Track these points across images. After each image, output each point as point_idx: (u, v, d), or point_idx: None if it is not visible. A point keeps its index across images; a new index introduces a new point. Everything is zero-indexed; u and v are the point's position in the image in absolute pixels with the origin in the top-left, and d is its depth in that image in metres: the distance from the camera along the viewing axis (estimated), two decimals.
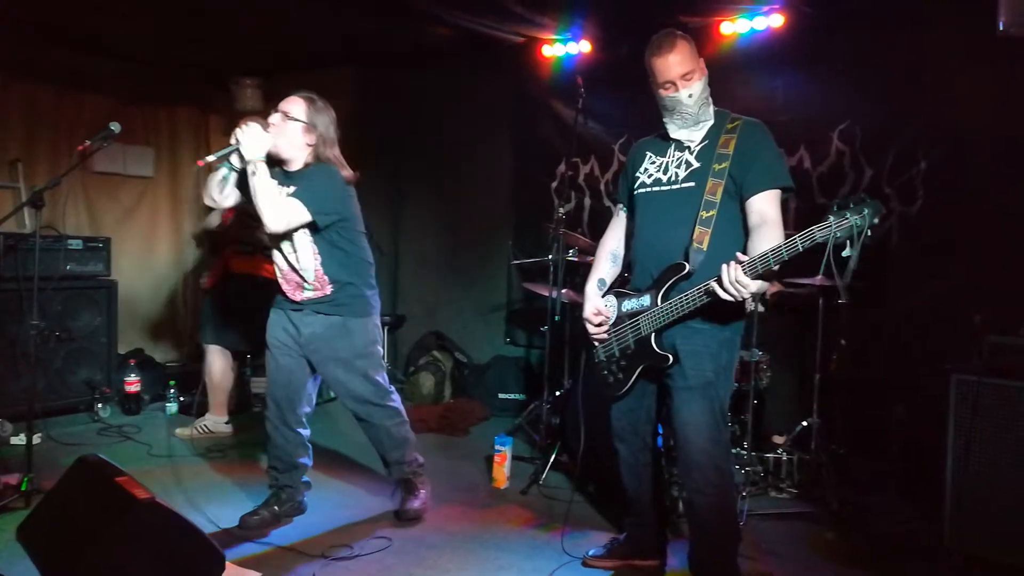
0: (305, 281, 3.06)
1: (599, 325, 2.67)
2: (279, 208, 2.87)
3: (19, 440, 3.96)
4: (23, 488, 3.25)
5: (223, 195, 3.03)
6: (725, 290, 2.22)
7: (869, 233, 2.05)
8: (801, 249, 2.13)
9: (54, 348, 4.68)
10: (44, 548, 2.31)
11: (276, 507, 3.20)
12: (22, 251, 4.45)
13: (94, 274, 5.01)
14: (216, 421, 4.56)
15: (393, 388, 3.32)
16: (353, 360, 3.14)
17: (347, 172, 3.08)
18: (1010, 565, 2.80)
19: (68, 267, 4.81)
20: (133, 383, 5.00)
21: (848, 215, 2.05)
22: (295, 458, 3.23)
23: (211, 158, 2.91)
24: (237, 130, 2.89)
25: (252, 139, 2.84)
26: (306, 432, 3.26)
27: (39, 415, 3.98)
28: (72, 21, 4.80)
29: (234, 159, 2.94)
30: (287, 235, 2.98)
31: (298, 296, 3.10)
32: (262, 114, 6.17)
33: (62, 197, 5.00)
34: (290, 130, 2.96)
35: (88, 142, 3.47)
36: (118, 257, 5.45)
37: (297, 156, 3.01)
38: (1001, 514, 2.82)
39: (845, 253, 2.07)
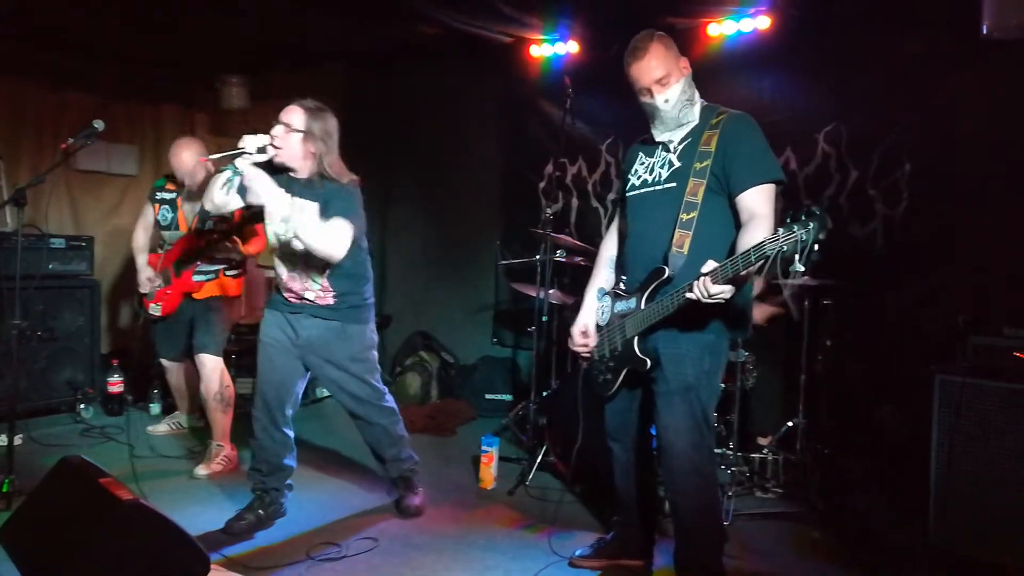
0: (307, 289, 3.08)
1: (583, 345, 2.71)
2: (332, 238, 2.84)
3: (0, 441, 3.91)
4: (4, 490, 3.22)
5: (228, 198, 2.98)
6: (703, 301, 2.21)
7: (816, 248, 2.02)
8: (753, 260, 2.12)
9: (36, 348, 4.63)
10: (26, 550, 2.28)
11: (261, 511, 3.17)
12: (4, 250, 4.40)
13: (77, 273, 4.96)
14: (188, 417, 4.60)
15: (386, 389, 3.34)
16: (349, 364, 3.16)
17: (351, 178, 3.06)
18: (993, 563, 2.82)
19: (51, 266, 4.77)
20: (116, 383, 4.96)
21: (796, 228, 2.03)
22: (281, 459, 3.21)
23: (215, 157, 2.90)
24: (246, 135, 2.89)
25: (268, 193, 2.81)
26: (291, 433, 3.25)
27: (21, 416, 3.94)
28: (55, 18, 4.75)
29: (239, 163, 2.90)
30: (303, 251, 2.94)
31: (299, 301, 3.12)
32: (248, 112, 6.19)
33: (45, 195, 4.93)
34: (292, 141, 2.94)
35: (71, 140, 3.44)
36: (101, 256, 5.41)
37: (302, 165, 2.99)
38: (984, 513, 2.84)
39: (792, 268, 2.06)
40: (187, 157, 3.93)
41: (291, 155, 2.95)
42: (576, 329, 2.72)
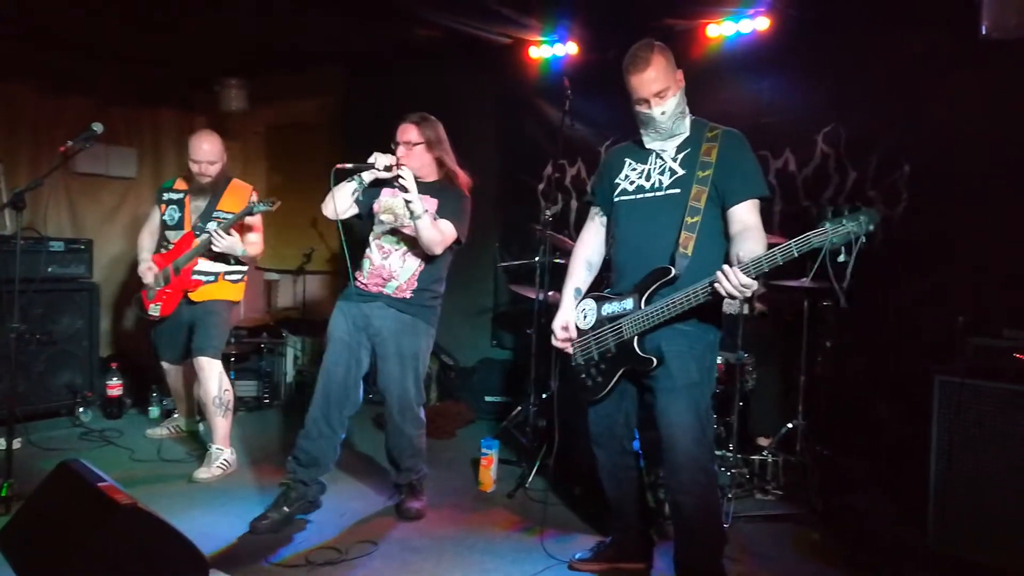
0: (393, 279, 3.24)
1: (565, 340, 2.72)
2: (441, 239, 3.17)
3: None
4: (3, 494, 3.22)
5: (345, 208, 3.26)
6: (729, 293, 2.25)
7: (864, 240, 2.08)
8: (796, 255, 2.17)
9: (35, 351, 4.62)
10: (24, 555, 2.28)
11: (286, 507, 3.18)
12: (3, 253, 4.39)
13: (76, 276, 4.96)
14: (187, 420, 4.60)
15: (424, 399, 3.44)
16: (412, 359, 3.28)
17: (465, 178, 3.39)
18: (992, 565, 2.82)
19: (49, 269, 4.75)
20: (115, 387, 4.95)
21: (845, 222, 2.09)
22: (323, 455, 3.24)
23: (348, 166, 3.12)
24: (377, 153, 3.15)
25: (415, 193, 3.04)
26: (342, 435, 3.29)
27: (19, 419, 3.94)
28: (54, 19, 4.75)
29: (366, 176, 3.20)
30: (403, 234, 3.26)
31: (377, 290, 3.25)
32: (247, 113, 6.18)
33: (44, 198, 4.94)
34: (417, 154, 3.27)
35: (70, 143, 3.44)
36: (100, 259, 5.40)
37: (430, 172, 3.33)
38: (984, 514, 2.84)
39: (840, 259, 2.10)
40: (208, 144, 3.95)
41: (422, 166, 3.28)
42: (557, 325, 2.74)
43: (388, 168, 3.10)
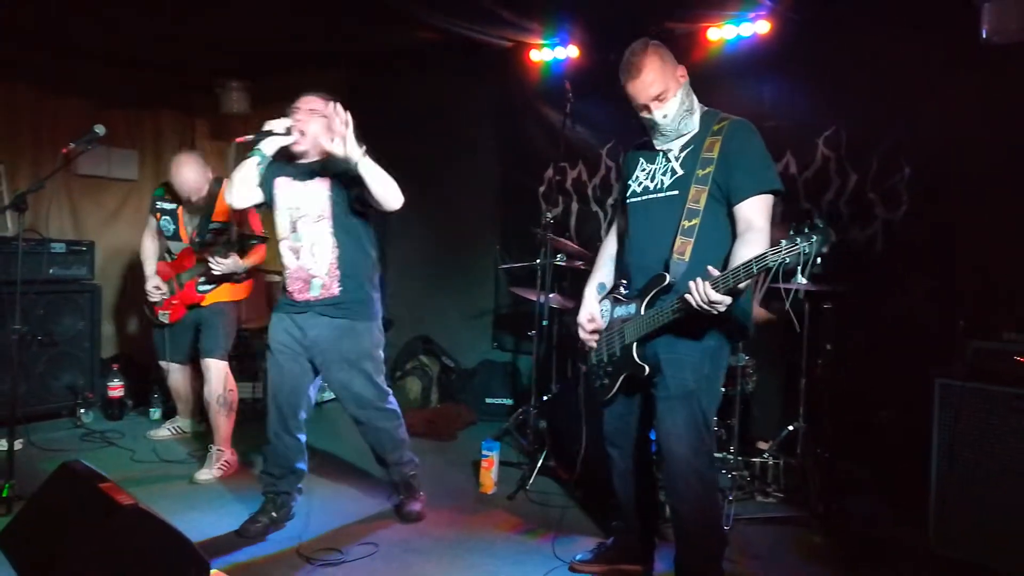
0: (314, 278, 3.07)
1: (592, 332, 2.69)
2: (388, 184, 2.93)
3: (0, 446, 3.91)
4: (4, 494, 3.23)
5: (251, 191, 3.07)
6: (700, 308, 2.21)
7: (819, 261, 2.04)
8: (756, 271, 2.13)
9: (36, 353, 4.64)
10: (25, 555, 2.28)
11: (273, 512, 3.18)
12: (4, 254, 4.41)
13: (77, 278, 4.96)
14: (188, 421, 4.61)
15: (390, 391, 3.34)
16: (358, 362, 3.16)
17: None
18: (993, 568, 2.82)
19: (51, 271, 4.76)
20: (116, 388, 4.96)
21: (799, 240, 2.04)
22: (293, 463, 3.22)
23: (247, 139, 3.00)
24: (269, 121, 3.00)
25: (351, 141, 2.83)
26: (303, 437, 3.25)
27: (21, 420, 3.94)
28: (55, 21, 4.76)
29: (266, 147, 3.00)
30: (302, 228, 3.07)
31: (304, 296, 3.10)
32: (248, 117, 6.19)
33: (45, 200, 4.96)
34: (316, 124, 3.04)
35: (72, 145, 3.45)
36: (102, 261, 5.41)
37: (323, 150, 3.05)
38: (985, 518, 2.84)
39: (795, 279, 2.07)
40: (188, 173, 3.92)
41: (314, 138, 3.03)
42: (583, 318, 2.72)
43: (289, 130, 2.96)
